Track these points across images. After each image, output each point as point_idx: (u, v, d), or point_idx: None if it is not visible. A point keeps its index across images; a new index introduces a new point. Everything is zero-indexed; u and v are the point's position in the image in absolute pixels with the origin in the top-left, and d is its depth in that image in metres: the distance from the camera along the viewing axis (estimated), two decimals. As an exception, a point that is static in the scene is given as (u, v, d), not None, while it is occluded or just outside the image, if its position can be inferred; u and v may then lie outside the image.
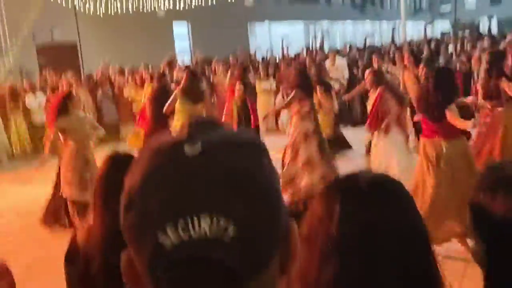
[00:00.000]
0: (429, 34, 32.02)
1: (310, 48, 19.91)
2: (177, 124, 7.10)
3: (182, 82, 7.13)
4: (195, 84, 7.12)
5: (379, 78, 6.72)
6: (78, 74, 14.99)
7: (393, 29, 28.85)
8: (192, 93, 6.90)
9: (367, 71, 7.07)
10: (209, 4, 20.97)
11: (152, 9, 19.64)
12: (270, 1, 29.31)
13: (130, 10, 18.63)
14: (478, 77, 10.84)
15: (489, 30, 27.21)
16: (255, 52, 21.09)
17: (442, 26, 50.40)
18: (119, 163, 2.17)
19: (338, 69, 12.65)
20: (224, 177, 0.59)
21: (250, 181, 0.61)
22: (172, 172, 0.59)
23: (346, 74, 12.88)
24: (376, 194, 1.12)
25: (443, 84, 4.84)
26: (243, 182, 0.60)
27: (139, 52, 18.67)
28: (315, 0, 35.42)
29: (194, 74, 7.37)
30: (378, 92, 6.57)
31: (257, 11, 27.26)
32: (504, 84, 6.14)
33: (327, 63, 12.81)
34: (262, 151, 0.66)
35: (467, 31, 26.82)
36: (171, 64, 14.37)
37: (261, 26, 30.41)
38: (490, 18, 42.67)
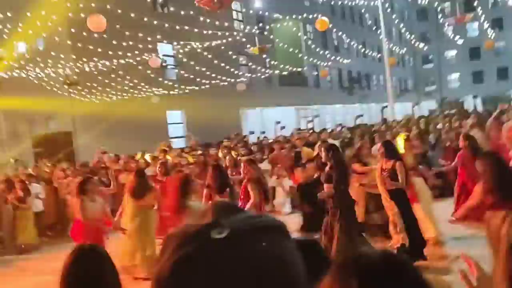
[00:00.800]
0: (416, 113, 32.89)
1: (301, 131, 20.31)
2: (125, 219, 7.57)
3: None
4: (142, 182, 7.73)
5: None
6: (72, 162, 15.07)
7: (383, 108, 29.62)
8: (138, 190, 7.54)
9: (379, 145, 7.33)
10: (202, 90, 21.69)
11: (147, 96, 20.19)
12: (261, 86, 30.19)
13: (126, 97, 19.17)
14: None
15: (475, 107, 28.02)
16: (246, 136, 21.49)
17: (428, 105, 51.84)
18: (82, 257, 2.25)
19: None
20: (253, 263, 0.59)
21: (279, 268, 0.62)
22: (200, 259, 0.59)
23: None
24: (393, 277, 1.12)
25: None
26: (272, 269, 0.61)
27: (134, 139, 18.93)
28: (305, 84, 36.56)
29: (141, 174, 8.11)
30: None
31: (249, 97, 28.01)
32: None
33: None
34: (286, 234, 0.67)
35: (453, 109, 27.61)
36: (167, 150, 14.54)
37: (253, 111, 31.11)
38: (474, 96, 44.11)
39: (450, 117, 18.38)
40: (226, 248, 0.59)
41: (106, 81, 17.77)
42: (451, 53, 55.51)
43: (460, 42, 37.71)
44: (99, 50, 15.70)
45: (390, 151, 6.97)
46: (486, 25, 34.78)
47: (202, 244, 0.60)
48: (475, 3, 28.54)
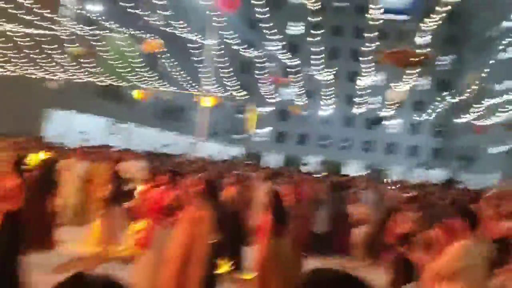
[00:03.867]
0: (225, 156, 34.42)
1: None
2: None
3: None
4: None
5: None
6: None
7: (192, 144, 30.36)
8: None
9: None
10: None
11: None
12: (75, 91, 28.62)
13: None
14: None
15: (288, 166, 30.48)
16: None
17: (236, 150, 54.81)
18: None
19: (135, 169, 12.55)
20: None
21: None
22: None
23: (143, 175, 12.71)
24: None
25: None
26: None
27: None
28: (121, 100, 35.75)
29: None
30: None
31: (59, 97, 26.32)
32: None
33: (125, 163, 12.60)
34: None
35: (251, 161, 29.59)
36: None
37: (61, 114, 29.22)
38: (273, 153, 47.83)
39: (245, 166, 19.63)
40: None
41: None
42: (264, 109, 59.77)
43: (271, 100, 40.94)
44: None
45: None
46: (299, 92, 38.49)
47: None
48: (294, 72, 31.44)
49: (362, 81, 33.65)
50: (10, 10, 16.20)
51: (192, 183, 6.45)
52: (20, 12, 16.52)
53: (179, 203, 6.39)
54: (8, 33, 17.75)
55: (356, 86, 36.78)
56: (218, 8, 14.41)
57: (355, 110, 42.95)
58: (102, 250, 8.20)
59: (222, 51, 33.03)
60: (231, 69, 39.52)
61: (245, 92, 39.01)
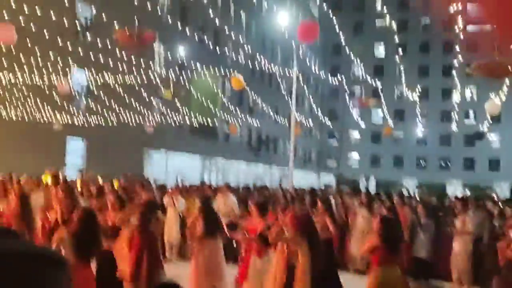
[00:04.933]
0: (316, 185, 34.15)
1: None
2: None
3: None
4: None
5: None
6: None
7: (282, 176, 30.47)
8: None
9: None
10: (108, 124, 21.18)
11: (48, 121, 19.35)
12: (170, 131, 30.12)
13: (26, 118, 18.25)
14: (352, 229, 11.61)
15: (366, 188, 29.60)
16: (147, 178, 21.06)
17: (328, 178, 54.14)
18: None
19: (228, 205, 12.81)
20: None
21: None
22: None
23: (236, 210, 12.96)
24: None
25: None
26: None
27: (27, 160, 17.94)
28: (214, 137, 36.96)
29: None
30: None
31: (156, 139, 27.78)
32: None
33: (219, 198, 12.91)
34: (59, 268, 0.69)
35: (348, 186, 28.94)
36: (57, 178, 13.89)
37: (158, 154, 30.77)
38: (368, 177, 46.81)
39: (342, 193, 19.20)
40: None
41: (8, 95, 16.89)
42: (355, 134, 58.91)
43: (362, 124, 40.28)
44: (4, 63, 15.00)
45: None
46: (389, 113, 37.58)
47: None
48: (382, 93, 30.86)
49: (456, 96, 32.22)
50: (110, 62, 17.50)
51: (284, 214, 6.49)
52: (116, 62, 17.80)
53: (271, 234, 6.45)
54: (109, 82, 19.12)
55: (452, 102, 35.24)
56: (298, 40, 14.59)
57: (452, 127, 41.03)
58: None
59: (309, 80, 33.24)
60: (318, 96, 39.58)
61: (334, 118, 38.68)
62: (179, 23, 22.34)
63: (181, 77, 24.21)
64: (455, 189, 46.75)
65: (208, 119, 30.45)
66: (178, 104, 25.27)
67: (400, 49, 30.03)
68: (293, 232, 6.06)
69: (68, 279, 0.69)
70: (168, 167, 29.95)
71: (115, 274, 6.50)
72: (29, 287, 0.65)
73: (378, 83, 33.37)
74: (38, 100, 17.86)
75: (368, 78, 33.66)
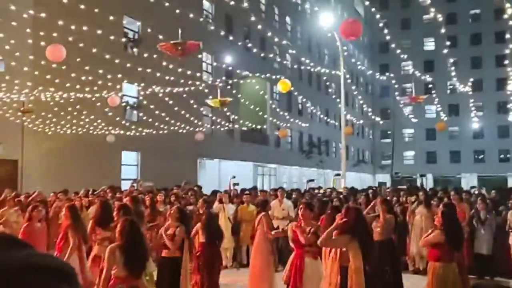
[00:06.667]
0: (371, 184, 33.50)
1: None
2: None
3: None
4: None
5: None
6: (13, 191, 14.52)
7: (335, 177, 30.08)
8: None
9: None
10: (160, 135, 21.59)
11: (102, 135, 19.92)
12: (222, 138, 30.42)
13: (80, 133, 18.87)
14: (411, 228, 11.29)
15: (422, 185, 28.76)
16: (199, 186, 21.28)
17: (383, 177, 53.12)
18: None
19: (284, 210, 12.74)
20: None
21: None
22: None
23: (292, 213, 12.84)
24: None
25: None
26: None
27: (83, 175, 18.54)
28: (265, 143, 37.03)
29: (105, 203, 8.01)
30: None
31: (208, 147, 28.10)
32: None
33: (274, 203, 12.84)
34: (66, 280, 0.68)
35: (404, 185, 28.26)
36: (115, 189, 14.31)
37: (211, 162, 31.10)
38: (422, 175, 45.70)
39: (399, 191, 18.71)
40: None
41: (62, 113, 17.50)
42: (408, 131, 57.55)
43: (415, 121, 39.27)
44: (57, 80, 15.56)
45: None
46: (442, 108, 36.47)
47: None
48: (434, 88, 29.98)
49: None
50: (158, 74, 17.85)
51: (337, 216, 6.39)
52: (164, 74, 18.13)
53: (317, 235, 6.38)
54: (159, 95, 19.49)
55: (507, 92, 33.79)
56: (342, 38, 14.39)
57: (510, 118, 39.34)
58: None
59: (358, 80, 32.76)
60: (369, 95, 38.98)
61: (386, 116, 37.97)
62: (223, 31, 22.57)
63: (228, 85, 24.42)
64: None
65: (258, 125, 30.56)
66: (227, 112, 25.48)
67: (450, 43, 29.10)
68: (343, 233, 5.95)
69: None
70: (221, 175, 30.19)
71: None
72: None
73: (429, 79, 32.47)
74: (91, 115, 18.44)
75: (418, 73, 32.82)
